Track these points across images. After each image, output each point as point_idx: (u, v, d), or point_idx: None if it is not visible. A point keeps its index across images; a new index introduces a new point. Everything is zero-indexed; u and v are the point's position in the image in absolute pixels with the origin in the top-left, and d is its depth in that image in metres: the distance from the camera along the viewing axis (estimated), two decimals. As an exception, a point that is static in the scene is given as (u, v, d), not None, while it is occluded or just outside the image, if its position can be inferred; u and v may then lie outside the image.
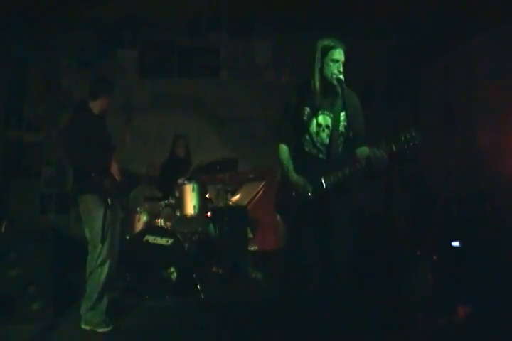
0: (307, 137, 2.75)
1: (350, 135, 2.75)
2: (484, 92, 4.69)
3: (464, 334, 3.07)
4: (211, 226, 4.75)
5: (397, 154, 2.51)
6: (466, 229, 3.98)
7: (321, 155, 2.75)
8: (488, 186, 4.42)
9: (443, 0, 4.85)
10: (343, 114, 2.71)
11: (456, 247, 3.91)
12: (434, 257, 3.77)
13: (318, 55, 2.69)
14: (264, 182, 5.43)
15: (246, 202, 5.32)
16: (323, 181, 2.64)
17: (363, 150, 2.61)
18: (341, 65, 2.66)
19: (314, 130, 2.73)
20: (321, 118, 2.73)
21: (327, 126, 2.73)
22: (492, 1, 4.40)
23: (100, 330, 3.19)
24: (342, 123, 2.71)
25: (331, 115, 2.72)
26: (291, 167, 2.75)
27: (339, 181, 2.62)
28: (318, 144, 2.74)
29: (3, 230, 4.20)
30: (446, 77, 5.39)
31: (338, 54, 2.66)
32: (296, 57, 5.98)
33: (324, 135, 2.73)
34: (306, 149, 2.76)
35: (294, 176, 2.70)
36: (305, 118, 2.72)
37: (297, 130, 2.77)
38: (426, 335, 3.11)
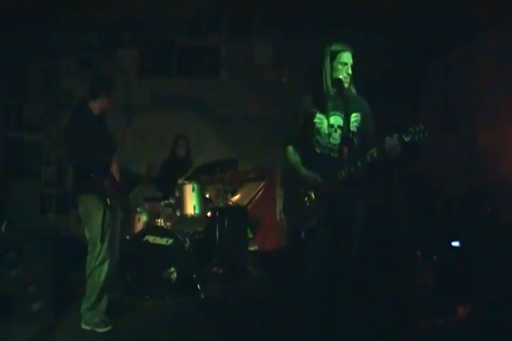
0: (319, 139, 2.77)
1: (362, 136, 2.77)
2: (484, 92, 4.69)
3: (464, 334, 3.07)
4: (211, 227, 4.75)
5: (407, 147, 2.58)
6: (466, 229, 3.98)
7: (332, 154, 2.76)
8: (488, 186, 4.42)
9: (443, 0, 4.85)
10: (354, 115, 2.75)
11: (456, 247, 3.91)
12: (434, 257, 3.77)
13: (327, 59, 2.75)
14: (264, 182, 5.43)
15: (246, 202, 5.31)
16: (337, 173, 2.66)
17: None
18: (350, 68, 2.73)
19: (326, 131, 2.76)
20: (332, 120, 2.76)
21: (339, 127, 2.75)
22: (492, 1, 4.40)
23: (100, 330, 3.20)
24: (354, 124, 2.74)
25: (343, 115, 2.74)
26: (300, 164, 2.80)
27: (355, 172, 2.64)
28: (330, 145, 2.76)
29: (3, 230, 4.20)
30: (446, 77, 5.39)
31: (347, 57, 2.73)
32: (296, 57, 5.99)
33: (337, 135, 2.76)
34: (318, 150, 2.77)
35: (303, 171, 2.75)
36: (316, 120, 2.76)
37: (308, 132, 2.79)
38: (426, 335, 3.11)
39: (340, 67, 2.72)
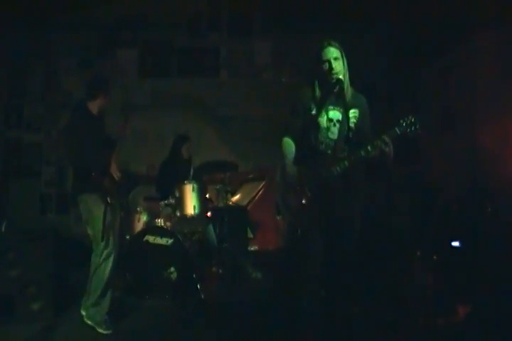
0: (317, 133, 2.75)
1: (359, 133, 2.76)
2: (484, 93, 4.69)
3: (464, 334, 3.07)
4: (211, 226, 4.75)
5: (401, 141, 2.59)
6: (466, 229, 3.98)
7: (329, 151, 2.75)
8: (488, 186, 4.42)
9: (443, 0, 4.85)
10: (352, 111, 2.73)
11: (456, 247, 3.91)
12: (434, 257, 3.78)
13: (314, 55, 2.74)
14: (264, 182, 5.42)
15: (246, 202, 5.31)
16: (325, 172, 2.64)
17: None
18: (334, 62, 2.67)
19: (325, 125, 2.74)
20: (331, 113, 2.75)
21: (338, 121, 2.74)
22: (492, 1, 4.40)
23: (99, 330, 3.22)
24: (352, 120, 2.72)
25: (341, 110, 2.73)
26: (290, 160, 2.75)
27: (346, 169, 2.63)
28: (328, 139, 2.75)
29: (3, 230, 4.20)
30: (446, 77, 5.39)
31: (329, 53, 2.68)
32: (296, 57, 6.00)
33: (335, 129, 2.75)
34: (316, 144, 2.75)
35: (289, 167, 2.72)
36: (315, 113, 2.74)
37: (306, 125, 2.77)
38: (426, 335, 3.11)
39: (324, 64, 2.67)
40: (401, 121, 2.57)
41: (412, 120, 2.55)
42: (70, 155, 3.42)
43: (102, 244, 3.23)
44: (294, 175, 2.69)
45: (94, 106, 3.41)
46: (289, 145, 2.82)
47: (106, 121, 3.56)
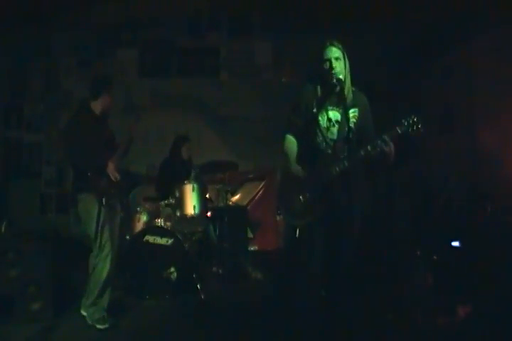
0: (318, 132, 2.76)
1: (359, 132, 2.76)
2: (484, 92, 4.69)
3: (464, 334, 3.07)
4: (211, 226, 4.75)
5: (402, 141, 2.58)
6: (466, 229, 3.98)
7: (329, 151, 2.76)
8: (488, 186, 4.42)
9: (443, 0, 4.85)
10: (352, 110, 2.74)
11: (456, 247, 3.91)
12: (434, 257, 3.78)
13: (317, 55, 2.75)
14: (264, 182, 5.43)
15: (246, 202, 5.32)
16: (334, 168, 2.64)
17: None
18: (335, 63, 2.69)
19: (325, 125, 2.76)
20: (331, 114, 2.76)
21: (337, 121, 2.76)
22: (492, 1, 4.40)
23: (98, 326, 3.23)
24: (351, 120, 2.72)
25: (340, 111, 2.74)
26: (293, 158, 2.78)
27: (347, 168, 2.63)
28: (328, 139, 2.76)
29: (3, 230, 4.20)
30: (446, 77, 5.39)
31: (330, 52, 2.70)
32: (296, 57, 6.00)
33: (334, 130, 2.76)
34: (316, 144, 2.77)
35: (293, 166, 2.74)
36: (314, 110, 2.75)
37: (307, 124, 2.78)
38: (426, 335, 3.11)
39: (325, 63, 2.69)
40: (403, 121, 2.56)
41: (415, 119, 2.55)
42: (69, 154, 3.41)
43: (97, 244, 3.21)
44: (298, 173, 2.71)
45: (97, 106, 3.40)
46: (292, 142, 2.84)
47: (110, 121, 3.55)
